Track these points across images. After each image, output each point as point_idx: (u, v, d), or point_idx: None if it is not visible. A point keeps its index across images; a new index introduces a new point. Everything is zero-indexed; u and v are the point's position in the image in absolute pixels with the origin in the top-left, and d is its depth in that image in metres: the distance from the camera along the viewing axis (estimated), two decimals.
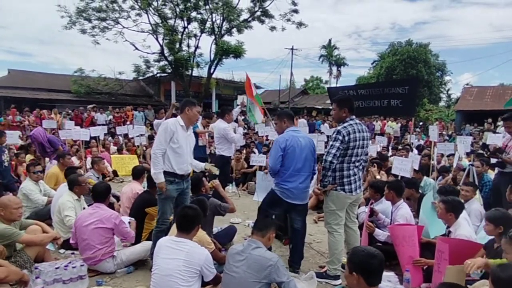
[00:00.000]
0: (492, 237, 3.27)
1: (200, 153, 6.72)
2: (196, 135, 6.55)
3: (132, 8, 21.87)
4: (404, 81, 9.57)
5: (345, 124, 3.69)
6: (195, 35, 23.15)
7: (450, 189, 4.61)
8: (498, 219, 3.14)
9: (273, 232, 3.07)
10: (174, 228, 3.30)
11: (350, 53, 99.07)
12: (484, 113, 20.32)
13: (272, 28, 23.23)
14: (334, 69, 44.04)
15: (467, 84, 32.90)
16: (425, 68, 32.08)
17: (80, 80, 22.28)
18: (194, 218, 3.04)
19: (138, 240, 4.33)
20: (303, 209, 4.06)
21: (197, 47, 23.27)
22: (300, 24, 22.97)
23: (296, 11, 22.67)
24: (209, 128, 7.88)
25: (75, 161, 8.57)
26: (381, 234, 4.22)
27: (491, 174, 5.99)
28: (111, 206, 5.33)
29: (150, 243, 4.07)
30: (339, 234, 3.79)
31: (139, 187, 5.18)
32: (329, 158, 3.59)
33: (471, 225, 3.99)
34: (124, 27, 22.10)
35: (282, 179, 3.86)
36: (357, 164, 3.75)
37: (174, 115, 4.95)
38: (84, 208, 4.45)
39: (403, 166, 6.37)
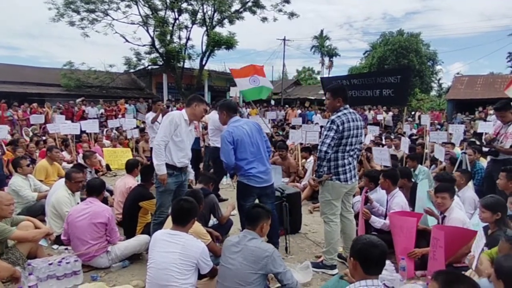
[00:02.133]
0: (485, 224, 3.29)
1: (193, 144, 6.67)
2: None
3: None
4: (397, 71, 9.60)
5: (339, 114, 3.66)
6: (186, 27, 22.90)
7: (448, 177, 4.63)
8: (495, 205, 3.16)
9: (266, 222, 2.98)
10: (169, 221, 3.26)
11: (342, 44, 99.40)
12: (475, 102, 20.50)
13: (264, 19, 23.10)
14: (326, 59, 44.04)
15: (458, 73, 33.14)
16: (417, 58, 32.23)
17: (69, 74, 21.84)
18: (189, 211, 3.00)
19: (132, 234, 4.29)
20: (272, 191, 4.16)
21: (188, 38, 23.08)
22: (291, 15, 22.87)
23: (287, 1, 22.60)
24: (203, 119, 7.80)
25: (65, 155, 8.49)
26: (376, 221, 4.23)
27: (483, 162, 6.03)
28: (105, 200, 5.28)
29: (144, 236, 4.04)
30: (335, 224, 3.79)
31: (132, 181, 5.12)
32: (324, 148, 3.57)
33: (464, 211, 4.03)
34: (113, 19, 21.77)
35: (244, 170, 3.88)
36: (351, 153, 3.74)
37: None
38: (78, 203, 4.38)
39: (382, 155, 6.39)
